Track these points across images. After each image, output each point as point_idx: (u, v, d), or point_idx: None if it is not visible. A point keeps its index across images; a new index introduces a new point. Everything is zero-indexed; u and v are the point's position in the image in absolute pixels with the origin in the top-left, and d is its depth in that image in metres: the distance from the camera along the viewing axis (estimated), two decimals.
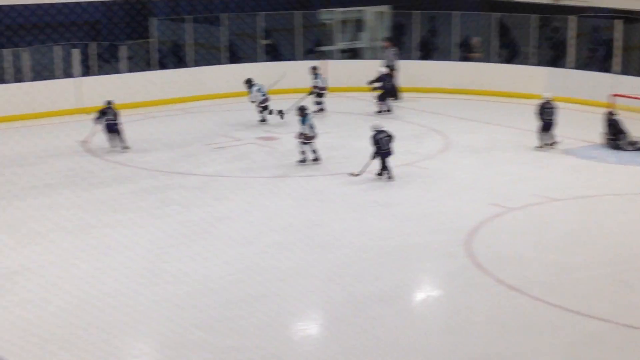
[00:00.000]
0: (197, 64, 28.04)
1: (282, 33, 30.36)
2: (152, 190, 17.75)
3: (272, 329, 11.45)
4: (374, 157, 18.23)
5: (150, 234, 14.96)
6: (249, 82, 23.93)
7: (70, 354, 10.62)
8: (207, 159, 20.35)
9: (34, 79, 25.64)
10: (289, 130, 22.85)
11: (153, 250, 14.24)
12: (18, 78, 25.42)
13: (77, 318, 11.64)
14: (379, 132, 18.37)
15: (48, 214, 16.10)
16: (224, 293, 12.57)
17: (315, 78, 25.39)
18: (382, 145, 18.20)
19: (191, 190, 17.84)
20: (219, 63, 28.70)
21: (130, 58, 27.33)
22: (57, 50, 26.11)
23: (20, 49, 25.54)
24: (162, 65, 27.89)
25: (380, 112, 24.81)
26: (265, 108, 23.67)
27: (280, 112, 23.40)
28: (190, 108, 25.79)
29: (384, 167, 18.32)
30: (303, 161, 19.58)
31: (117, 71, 26.79)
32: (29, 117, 24.38)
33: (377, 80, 25.30)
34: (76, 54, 25.88)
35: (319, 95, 25.42)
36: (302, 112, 19.59)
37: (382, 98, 25.10)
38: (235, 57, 29.21)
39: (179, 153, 20.76)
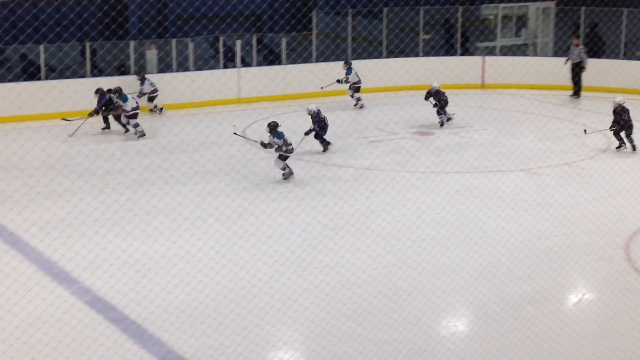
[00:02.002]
0: (357, 57, 28.21)
1: (443, 28, 30.21)
2: (308, 181, 18.01)
3: (421, 324, 11.44)
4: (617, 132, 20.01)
5: (306, 224, 15.18)
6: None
7: (223, 337, 10.90)
8: (364, 152, 20.48)
9: (199, 68, 26.44)
10: (446, 126, 22.78)
11: (307, 239, 14.45)
12: (184, 67, 26.28)
13: (231, 302, 11.95)
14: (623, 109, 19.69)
15: (208, 199, 16.60)
16: (375, 285, 12.63)
17: (349, 73, 25.31)
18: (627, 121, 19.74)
19: (347, 182, 18.00)
20: (379, 57, 28.80)
21: (291, 50, 27.79)
22: (222, 41, 26.83)
23: (188, 38, 26.37)
24: (322, 58, 28.21)
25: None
26: None
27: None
28: (348, 101, 25.96)
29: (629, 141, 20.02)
30: (290, 174, 18.20)
31: (278, 62, 27.29)
32: (192, 105, 25.17)
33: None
34: (239, 45, 26.51)
35: (357, 90, 25.42)
36: (273, 128, 17.78)
37: None
38: (395, 52, 29.24)
39: (335, 145, 20.96)
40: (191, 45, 26.14)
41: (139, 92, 23.77)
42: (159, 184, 17.68)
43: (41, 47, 24.25)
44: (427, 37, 29.36)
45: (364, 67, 26.87)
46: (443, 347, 10.92)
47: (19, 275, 12.73)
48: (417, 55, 28.95)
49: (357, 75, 25.30)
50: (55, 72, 24.89)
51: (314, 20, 28.45)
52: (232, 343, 10.79)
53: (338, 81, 25.26)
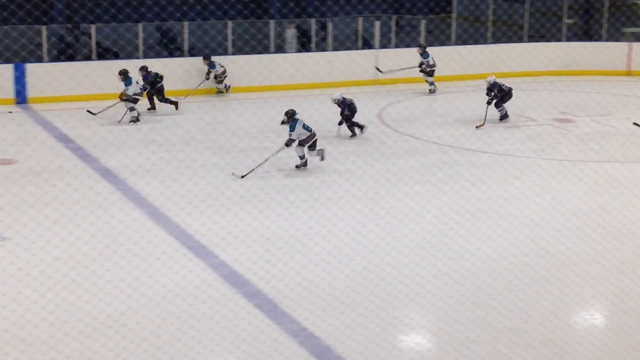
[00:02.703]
0: (497, 41, 27.69)
1: (587, 12, 29.32)
2: (441, 165, 17.79)
3: (553, 316, 11.12)
4: None
5: (437, 209, 15.00)
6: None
7: (353, 318, 10.89)
8: (499, 137, 20.10)
9: (336, 49, 26.46)
10: (587, 113, 22.13)
11: (438, 225, 14.27)
12: (321, 47, 26.35)
13: (359, 285, 11.91)
14: None
15: (340, 180, 16.60)
16: (506, 274, 12.36)
17: (426, 56, 24.69)
18: None
19: (480, 167, 17.69)
20: (520, 41, 28.20)
21: (429, 32, 27.50)
22: (360, 22, 26.76)
23: (326, 19, 26.42)
24: (461, 41, 27.82)
25: None
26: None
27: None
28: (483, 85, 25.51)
29: None
30: (304, 165, 17.53)
31: (415, 44, 27.06)
32: (328, 85, 25.22)
33: None
34: (378, 26, 26.40)
35: (429, 74, 24.82)
36: (291, 117, 17.35)
37: None
38: (537, 36, 28.58)
39: (470, 129, 20.64)
40: (330, 26, 26.18)
41: (207, 75, 23.71)
42: (291, 163, 17.79)
43: (185, 24, 24.77)
44: (570, 21, 28.55)
45: (502, 52, 26.36)
46: (575, 341, 10.59)
47: (155, 247, 13.06)
48: (558, 40, 28.20)
49: (434, 60, 24.83)
50: (195, 49, 25.36)
51: (454, 3, 28.06)
52: (361, 324, 10.76)
53: (420, 65, 24.78)
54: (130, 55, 24.45)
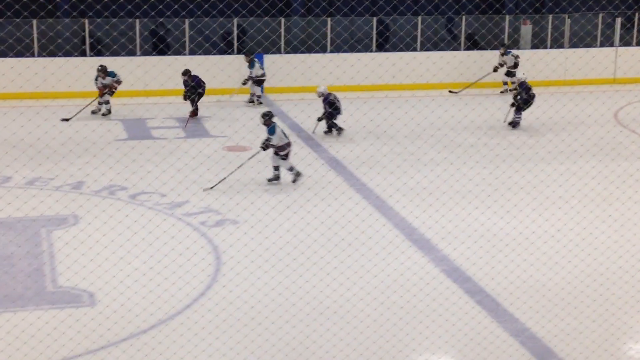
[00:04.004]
0: None
1: None
2: None
3: None
4: None
5: None
6: None
7: (577, 321, 10.62)
8: None
9: (574, 45, 25.76)
10: None
11: None
12: (559, 44, 25.70)
13: (588, 287, 11.56)
14: None
15: (572, 180, 16.14)
16: None
17: (504, 55, 23.59)
18: None
19: None
20: None
21: None
22: (600, 18, 25.89)
23: (564, 14, 25.75)
24: None
25: None
26: None
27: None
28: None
29: None
30: (276, 179, 15.99)
31: None
32: (563, 83, 24.59)
33: None
34: (618, 23, 25.44)
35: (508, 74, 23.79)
36: (269, 119, 15.88)
37: None
38: None
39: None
40: (567, 22, 25.49)
41: (248, 77, 22.62)
42: (522, 160, 17.50)
43: (328, 20, 24.83)
44: None
45: None
46: None
47: (381, 238, 13.25)
48: None
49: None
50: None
51: None
52: (588, 328, 10.47)
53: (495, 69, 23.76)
54: None
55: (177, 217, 14.18)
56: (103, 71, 20.93)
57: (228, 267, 12.18)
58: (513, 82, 23.14)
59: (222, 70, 21.83)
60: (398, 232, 13.67)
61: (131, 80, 22.18)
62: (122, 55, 23.24)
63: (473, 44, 25.99)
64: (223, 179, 15.54)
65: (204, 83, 20.96)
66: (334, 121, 19.40)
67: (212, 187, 15.37)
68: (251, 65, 22.53)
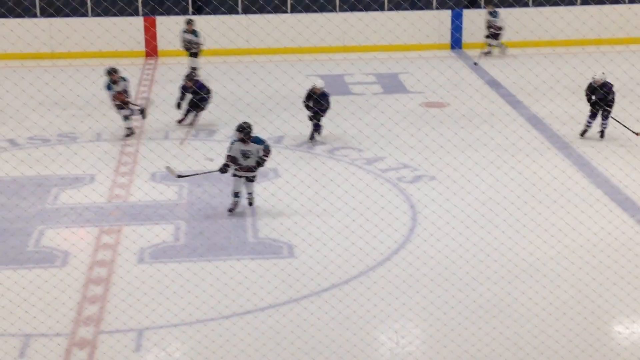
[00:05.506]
0: None
1: None
2: None
3: None
4: None
5: None
6: None
7: None
8: None
9: None
10: None
11: None
12: None
13: None
14: None
15: None
16: None
17: (493, 16, 22.03)
18: None
19: None
20: None
21: None
22: None
23: None
24: None
25: None
26: None
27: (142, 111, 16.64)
28: None
29: None
30: (234, 206, 12.68)
31: None
32: None
33: None
34: None
35: (494, 36, 22.29)
36: (245, 131, 12.24)
37: None
38: None
39: None
40: None
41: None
42: None
43: None
44: None
45: None
46: None
47: (587, 196, 12.90)
48: None
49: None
50: None
51: None
52: None
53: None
54: None
55: (375, 173, 14.29)
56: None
57: (427, 223, 12.20)
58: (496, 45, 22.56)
59: None
60: (600, 193, 13.24)
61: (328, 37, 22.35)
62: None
63: None
64: (195, 174, 13.29)
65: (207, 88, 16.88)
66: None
67: (181, 176, 12.93)
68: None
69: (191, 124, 16.98)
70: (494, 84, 19.84)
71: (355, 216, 12.29)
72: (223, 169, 12.51)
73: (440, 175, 14.00)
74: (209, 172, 13.22)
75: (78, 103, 17.31)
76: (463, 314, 9.79)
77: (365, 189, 13.16)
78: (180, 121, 17.03)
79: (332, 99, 15.88)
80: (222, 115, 16.99)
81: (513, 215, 12.18)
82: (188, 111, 16.97)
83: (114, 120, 16.44)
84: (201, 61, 20.32)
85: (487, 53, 22.68)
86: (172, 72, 20.37)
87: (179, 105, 16.88)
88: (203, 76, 18.53)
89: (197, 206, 12.94)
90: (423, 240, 11.62)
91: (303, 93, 15.90)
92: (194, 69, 19.72)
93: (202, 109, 16.85)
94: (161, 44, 22.83)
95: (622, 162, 14.12)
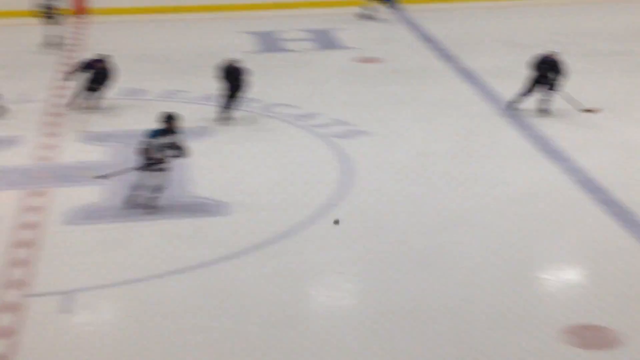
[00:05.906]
0: None
1: None
2: None
3: None
4: None
5: None
6: None
7: None
8: None
9: None
10: None
11: None
12: None
13: None
14: None
15: None
16: None
17: None
18: None
19: None
20: None
21: None
22: None
23: None
24: None
25: None
26: None
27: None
28: None
29: None
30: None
31: None
32: None
33: None
34: None
35: None
36: (170, 121, 11.11)
37: None
38: None
39: None
40: None
41: None
42: None
43: None
44: None
45: None
46: None
47: (516, 148, 13.08)
48: None
49: None
50: None
51: None
52: None
53: None
54: None
55: (309, 129, 14.23)
56: None
57: (359, 177, 12.20)
58: None
59: None
60: (529, 144, 13.37)
61: None
62: None
63: None
64: (117, 173, 11.67)
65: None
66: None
67: (102, 176, 11.72)
68: None
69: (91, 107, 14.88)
70: (426, 39, 19.82)
71: (288, 173, 12.27)
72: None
73: (373, 130, 13.99)
74: (128, 170, 11.52)
75: None
76: (394, 266, 9.83)
77: (299, 146, 13.11)
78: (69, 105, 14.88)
79: (266, 56, 15.71)
80: (152, 74, 16.76)
81: (444, 168, 12.26)
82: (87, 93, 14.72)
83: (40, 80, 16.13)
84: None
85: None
86: None
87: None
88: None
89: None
90: (355, 195, 11.63)
91: (234, 50, 15.73)
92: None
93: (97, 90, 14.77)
94: None
95: (551, 116, 14.28)
